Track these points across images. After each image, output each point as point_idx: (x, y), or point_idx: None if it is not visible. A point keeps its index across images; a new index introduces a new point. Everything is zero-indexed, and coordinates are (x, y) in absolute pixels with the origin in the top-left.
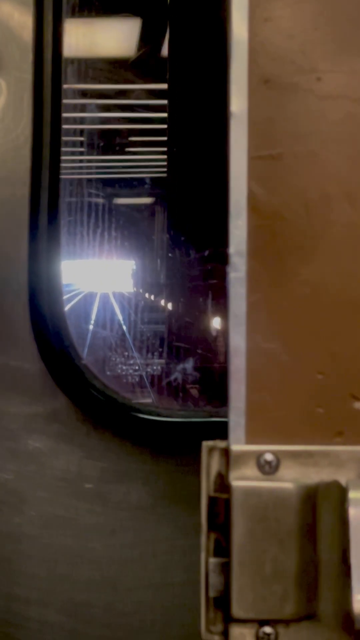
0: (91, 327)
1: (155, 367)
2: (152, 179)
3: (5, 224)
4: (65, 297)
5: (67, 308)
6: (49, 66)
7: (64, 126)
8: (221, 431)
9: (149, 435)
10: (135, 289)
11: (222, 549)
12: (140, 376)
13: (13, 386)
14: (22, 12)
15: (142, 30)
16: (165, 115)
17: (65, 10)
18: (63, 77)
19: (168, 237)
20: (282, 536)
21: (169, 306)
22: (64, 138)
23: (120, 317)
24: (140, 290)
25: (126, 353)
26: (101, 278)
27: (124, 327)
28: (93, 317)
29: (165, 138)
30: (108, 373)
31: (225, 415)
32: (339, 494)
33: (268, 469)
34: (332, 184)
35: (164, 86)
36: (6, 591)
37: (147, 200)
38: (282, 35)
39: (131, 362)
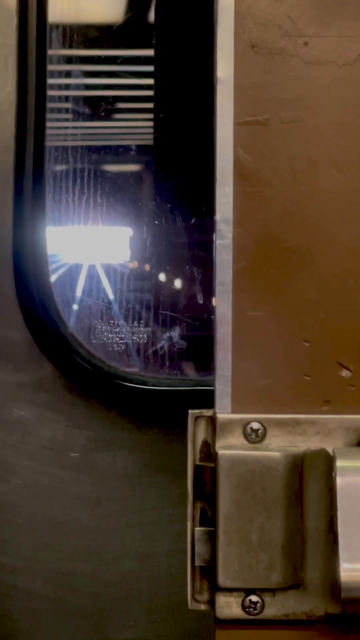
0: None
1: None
2: (138, 146)
3: None
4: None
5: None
6: (33, 31)
7: (49, 92)
8: (208, 400)
9: (135, 404)
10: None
11: (208, 518)
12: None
13: None
14: None
15: None
16: (151, 81)
17: None
18: (48, 43)
19: (154, 205)
20: (268, 505)
21: (161, 277)
22: (48, 104)
23: (109, 290)
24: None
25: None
26: (87, 247)
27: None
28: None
29: (151, 105)
30: (94, 341)
31: (212, 384)
32: (326, 462)
33: (254, 437)
34: (318, 150)
35: (151, 52)
36: None
37: (134, 167)
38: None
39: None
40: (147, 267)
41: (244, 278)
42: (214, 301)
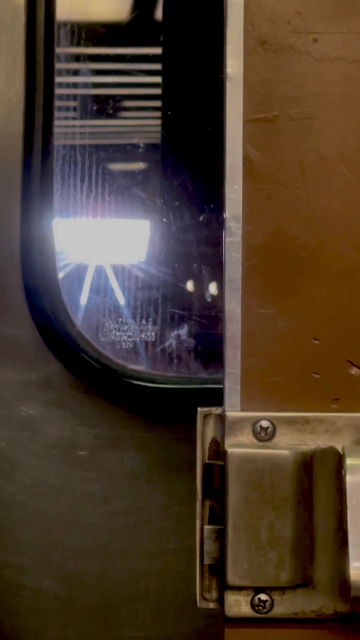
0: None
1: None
2: (146, 144)
3: None
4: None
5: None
6: (41, 29)
7: (57, 90)
8: (217, 399)
9: (143, 402)
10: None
11: (217, 516)
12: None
13: (6, 353)
14: None
15: None
16: (159, 79)
17: None
18: (56, 40)
19: (162, 202)
20: (277, 503)
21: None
22: (56, 102)
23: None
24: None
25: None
26: (94, 245)
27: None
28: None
29: (159, 103)
30: (102, 339)
31: (221, 382)
32: (335, 460)
33: (264, 435)
34: (328, 146)
35: (159, 50)
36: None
37: (141, 165)
38: None
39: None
40: (155, 264)
41: (253, 275)
42: (223, 299)
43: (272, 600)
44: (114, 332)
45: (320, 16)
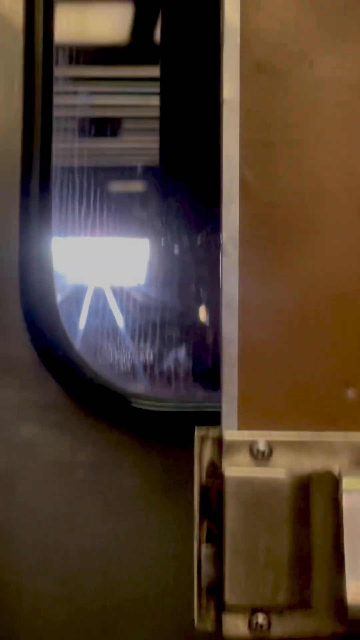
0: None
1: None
2: (144, 165)
3: None
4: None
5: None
6: (39, 52)
7: (55, 113)
8: (214, 421)
9: (141, 423)
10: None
11: (215, 537)
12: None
13: (4, 374)
14: None
15: (134, 16)
16: (157, 102)
17: None
18: (54, 63)
19: (160, 224)
20: (274, 524)
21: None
22: (55, 124)
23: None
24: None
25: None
26: (92, 267)
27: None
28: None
29: (157, 124)
30: (100, 361)
31: (218, 403)
32: (332, 482)
33: (261, 457)
34: (324, 170)
35: (157, 72)
36: None
37: (140, 186)
38: (275, 21)
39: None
40: (152, 285)
41: (250, 298)
42: (221, 320)
43: (270, 621)
44: (112, 353)
45: (316, 41)
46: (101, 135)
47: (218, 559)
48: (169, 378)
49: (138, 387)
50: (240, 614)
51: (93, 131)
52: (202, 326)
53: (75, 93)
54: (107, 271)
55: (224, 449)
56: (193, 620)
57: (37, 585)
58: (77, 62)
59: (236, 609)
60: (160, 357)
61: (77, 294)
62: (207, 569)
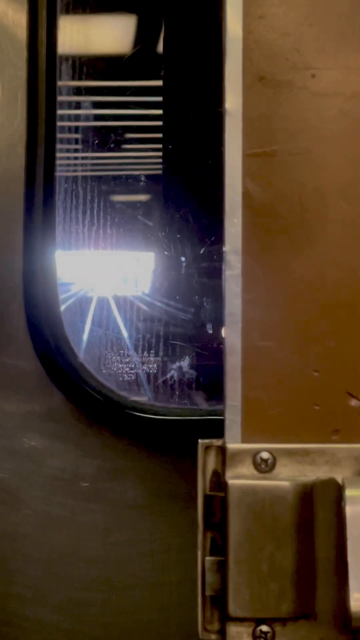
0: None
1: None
2: (147, 176)
3: (0, 221)
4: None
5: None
6: (43, 63)
7: (59, 123)
8: (218, 430)
9: (145, 433)
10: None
11: (219, 547)
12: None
13: (8, 384)
14: (16, 9)
15: (137, 28)
16: (160, 112)
17: (60, 8)
18: (57, 75)
19: (163, 235)
20: (278, 534)
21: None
22: (58, 135)
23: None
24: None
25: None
26: (96, 277)
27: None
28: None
29: (160, 135)
30: (104, 371)
31: (222, 414)
32: (336, 491)
33: (264, 467)
34: (326, 180)
35: (159, 83)
36: (2, 590)
37: (143, 197)
38: (277, 32)
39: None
40: (156, 296)
41: (253, 308)
42: (224, 331)
43: (274, 631)
44: (115, 363)
45: (319, 52)
46: (104, 145)
47: (222, 569)
48: (172, 388)
49: (142, 396)
50: (244, 624)
51: (96, 142)
52: (205, 336)
53: (78, 104)
54: (110, 281)
55: (227, 459)
56: (197, 631)
57: (42, 594)
58: (81, 73)
59: (240, 620)
60: (164, 367)
61: (81, 304)
62: (211, 579)
